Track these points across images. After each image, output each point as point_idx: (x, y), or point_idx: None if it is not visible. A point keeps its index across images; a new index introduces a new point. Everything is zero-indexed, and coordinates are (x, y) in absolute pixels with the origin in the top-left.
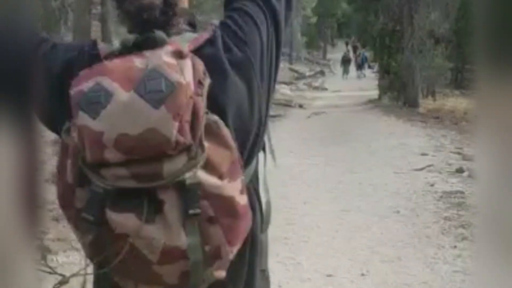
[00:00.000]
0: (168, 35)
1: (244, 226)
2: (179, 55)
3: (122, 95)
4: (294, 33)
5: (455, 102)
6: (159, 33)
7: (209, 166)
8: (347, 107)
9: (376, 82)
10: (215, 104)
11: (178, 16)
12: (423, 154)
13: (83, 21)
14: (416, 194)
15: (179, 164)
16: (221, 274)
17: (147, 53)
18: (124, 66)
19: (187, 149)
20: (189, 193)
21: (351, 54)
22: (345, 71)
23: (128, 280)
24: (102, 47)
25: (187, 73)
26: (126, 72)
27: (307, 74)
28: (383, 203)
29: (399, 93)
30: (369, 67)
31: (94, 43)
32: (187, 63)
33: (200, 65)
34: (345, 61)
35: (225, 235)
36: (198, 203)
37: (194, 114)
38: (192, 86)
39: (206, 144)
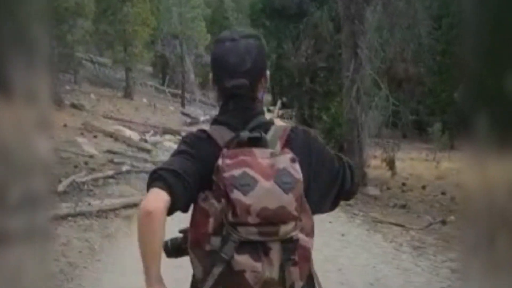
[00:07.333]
0: (256, 114)
1: (310, 267)
2: (294, 160)
3: (264, 183)
4: (187, 73)
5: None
6: (265, 136)
7: (302, 229)
8: None
9: None
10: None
11: (258, 98)
12: None
13: None
14: None
15: (290, 227)
16: None
17: (271, 155)
18: (258, 162)
19: (295, 219)
20: (290, 245)
21: None
22: None
23: None
24: (216, 136)
25: (300, 173)
26: (262, 168)
27: (202, 118)
28: None
29: None
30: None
31: (209, 135)
32: (298, 166)
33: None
34: None
35: (300, 274)
36: (295, 252)
37: (301, 198)
38: (302, 181)
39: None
